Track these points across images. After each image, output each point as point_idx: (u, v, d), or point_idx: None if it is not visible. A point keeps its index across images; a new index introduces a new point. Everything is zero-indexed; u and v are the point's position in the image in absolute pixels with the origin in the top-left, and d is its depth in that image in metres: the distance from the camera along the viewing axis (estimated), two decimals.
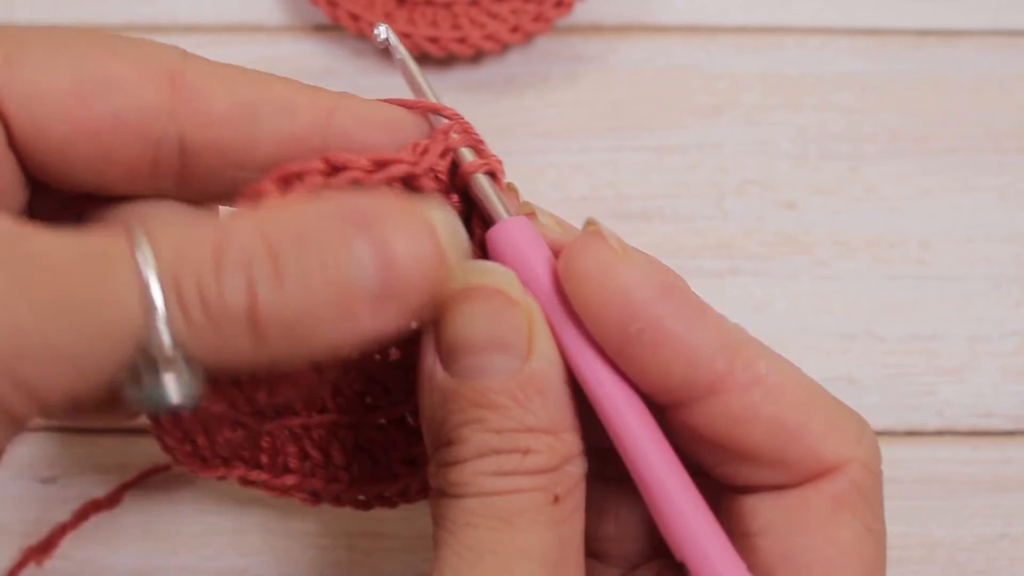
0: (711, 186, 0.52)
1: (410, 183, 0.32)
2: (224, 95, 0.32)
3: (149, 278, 0.26)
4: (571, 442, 0.30)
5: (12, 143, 0.31)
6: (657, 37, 0.56)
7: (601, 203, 0.52)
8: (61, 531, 0.45)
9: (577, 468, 0.30)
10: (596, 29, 0.56)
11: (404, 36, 0.52)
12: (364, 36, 0.53)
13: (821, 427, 0.30)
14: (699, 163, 0.53)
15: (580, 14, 0.55)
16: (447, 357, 0.30)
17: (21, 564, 0.44)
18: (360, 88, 0.54)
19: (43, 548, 0.45)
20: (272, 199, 0.30)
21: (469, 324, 0.30)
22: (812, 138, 0.53)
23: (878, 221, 0.52)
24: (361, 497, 0.37)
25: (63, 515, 0.45)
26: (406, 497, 0.37)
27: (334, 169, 0.31)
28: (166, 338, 0.26)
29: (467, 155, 0.34)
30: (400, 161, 0.32)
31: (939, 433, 0.48)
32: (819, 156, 0.53)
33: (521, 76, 0.55)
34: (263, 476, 0.37)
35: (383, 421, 0.36)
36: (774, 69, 0.55)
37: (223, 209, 0.35)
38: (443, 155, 0.33)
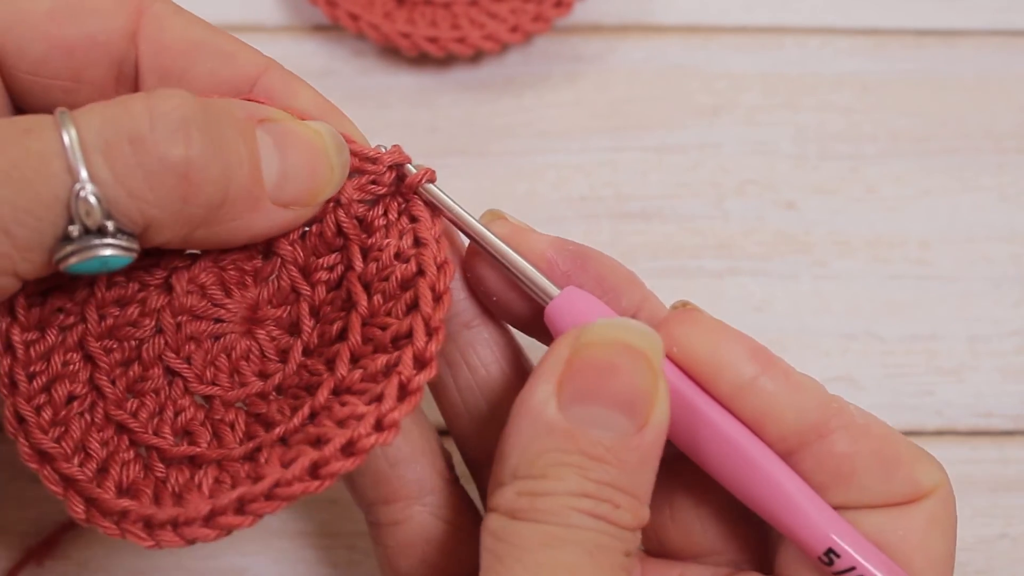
0: (711, 186, 0.52)
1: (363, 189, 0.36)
2: (178, 30, 0.35)
3: (71, 143, 0.29)
4: (647, 514, 0.32)
5: None
6: (657, 37, 0.56)
7: (601, 203, 0.52)
8: (61, 531, 0.45)
9: (639, 538, 0.32)
10: (596, 29, 0.56)
11: (404, 36, 0.52)
12: (364, 36, 0.53)
13: (911, 457, 0.34)
14: (699, 163, 0.53)
15: (580, 14, 0.55)
16: (570, 397, 0.31)
17: (21, 564, 0.44)
18: (360, 88, 0.54)
19: (43, 548, 0.45)
20: None
21: (608, 378, 0.31)
22: (812, 138, 0.53)
23: (878, 221, 0.52)
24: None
25: (63, 515, 0.45)
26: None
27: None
28: (93, 195, 0.29)
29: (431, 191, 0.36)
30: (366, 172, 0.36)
31: (939, 433, 0.48)
32: (819, 156, 0.53)
33: (521, 76, 0.55)
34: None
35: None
36: (774, 69, 0.55)
37: None
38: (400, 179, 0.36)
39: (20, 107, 0.35)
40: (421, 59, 0.54)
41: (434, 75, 0.54)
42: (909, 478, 0.34)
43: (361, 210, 0.35)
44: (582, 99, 0.54)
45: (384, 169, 0.35)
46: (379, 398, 0.32)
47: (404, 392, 0.32)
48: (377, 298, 0.34)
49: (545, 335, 0.35)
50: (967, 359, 0.49)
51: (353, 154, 0.35)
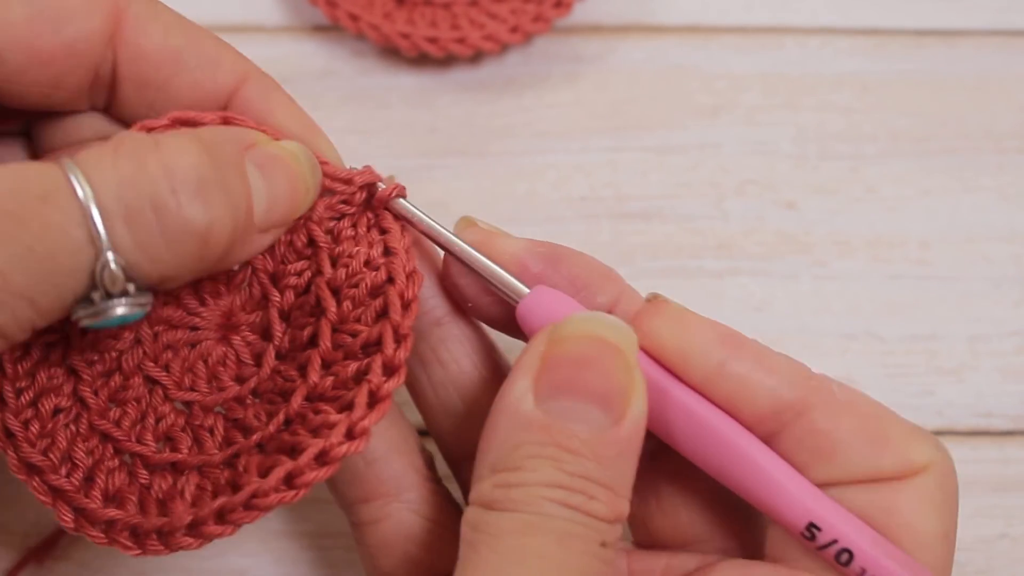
0: (711, 186, 0.52)
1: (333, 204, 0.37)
2: (157, 36, 0.35)
3: (93, 212, 0.29)
4: (625, 507, 0.32)
5: None
6: (657, 37, 0.56)
7: (601, 203, 0.52)
8: (61, 531, 0.45)
9: (619, 531, 0.32)
10: (595, 29, 0.56)
11: (403, 36, 0.52)
12: (363, 36, 0.53)
13: (902, 433, 0.34)
14: (699, 163, 0.53)
15: (579, 14, 0.55)
16: (546, 392, 0.31)
17: (21, 564, 0.44)
18: (360, 88, 0.54)
19: (43, 548, 0.45)
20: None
21: (581, 371, 0.31)
22: (812, 138, 0.53)
23: (878, 221, 0.52)
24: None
25: None
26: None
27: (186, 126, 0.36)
28: (115, 265, 0.29)
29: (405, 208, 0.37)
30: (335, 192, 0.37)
31: (939, 433, 0.48)
32: (819, 156, 0.53)
33: (520, 76, 0.55)
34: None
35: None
36: (774, 69, 0.55)
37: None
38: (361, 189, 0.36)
39: None
40: (421, 59, 0.54)
41: (434, 75, 0.54)
42: (899, 454, 0.33)
43: (331, 224, 0.36)
44: (582, 99, 0.54)
45: (355, 189, 0.36)
46: (350, 406, 0.33)
47: (374, 399, 0.33)
48: (347, 304, 0.35)
49: (522, 334, 0.36)
50: (967, 359, 0.49)
51: (326, 175, 0.36)
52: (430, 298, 0.37)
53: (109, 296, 0.30)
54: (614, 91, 0.54)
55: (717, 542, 0.37)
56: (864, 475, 0.33)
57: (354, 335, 0.34)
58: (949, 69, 0.55)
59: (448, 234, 0.36)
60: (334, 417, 0.33)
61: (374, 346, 0.34)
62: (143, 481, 0.35)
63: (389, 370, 0.33)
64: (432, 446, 0.40)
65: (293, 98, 0.38)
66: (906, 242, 0.51)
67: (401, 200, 0.36)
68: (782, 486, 0.33)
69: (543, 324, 0.33)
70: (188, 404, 0.36)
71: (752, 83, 0.55)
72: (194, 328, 0.37)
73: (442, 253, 0.37)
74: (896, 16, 0.56)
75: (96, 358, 0.36)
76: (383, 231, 0.36)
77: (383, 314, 0.34)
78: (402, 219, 0.36)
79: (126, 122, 0.37)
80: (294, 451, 0.33)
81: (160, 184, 0.30)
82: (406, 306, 0.34)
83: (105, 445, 0.36)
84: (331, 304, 0.35)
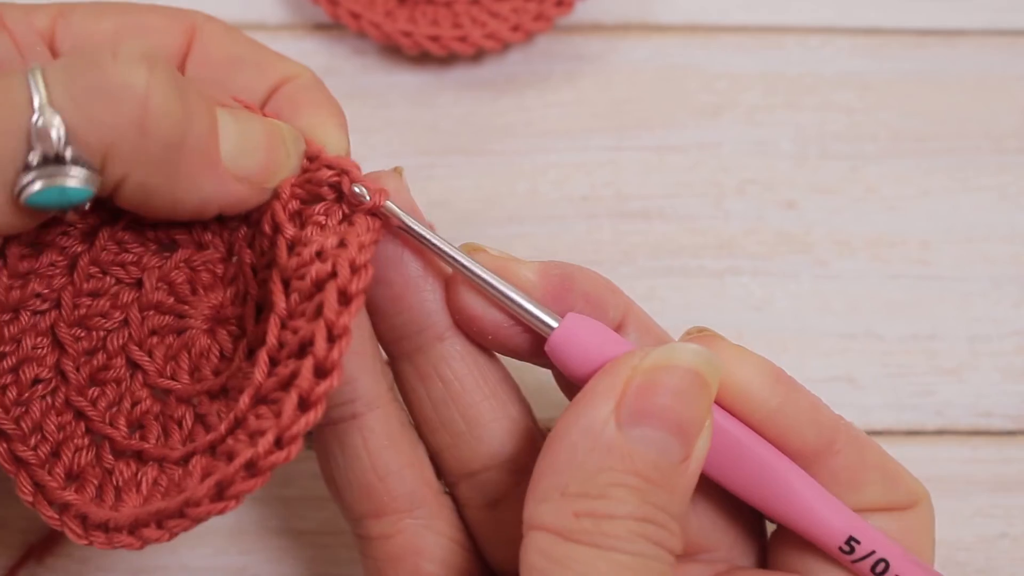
0: (711, 186, 0.52)
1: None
2: (224, 47, 0.37)
3: (33, 74, 0.30)
4: (684, 537, 0.32)
5: None
6: (657, 37, 0.56)
7: (601, 203, 0.52)
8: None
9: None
10: (596, 28, 0.56)
11: (405, 35, 0.52)
12: (365, 34, 0.53)
13: (902, 469, 0.36)
14: (699, 163, 0.53)
15: (581, 13, 0.55)
16: (629, 418, 0.31)
17: (22, 561, 0.44)
18: (361, 86, 0.54)
19: (44, 545, 0.45)
20: None
21: (671, 400, 0.31)
22: (812, 138, 0.53)
23: (878, 221, 0.52)
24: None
25: None
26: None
27: None
28: (52, 122, 0.30)
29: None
30: (323, 164, 0.35)
31: (939, 433, 0.48)
32: (819, 156, 0.53)
33: (522, 75, 0.55)
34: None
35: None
36: (774, 69, 0.55)
37: None
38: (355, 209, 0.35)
39: None
40: (422, 58, 0.54)
41: (435, 74, 0.54)
42: (906, 486, 0.36)
43: (299, 206, 0.35)
44: (583, 98, 0.54)
45: (319, 168, 0.35)
46: (279, 413, 0.31)
47: (305, 404, 0.31)
48: (294, 298, 0.33)
49: (543, 359, 0.35)
50: (967, 359, 0.49)
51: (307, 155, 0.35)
52: (433, 312, 0.36)
53: (46, 161, 0.30)
54: (615, 90, 0.54)
55: (723, 551, 0.37)
56: (884, 504, 0.35)
57: (296, 332, 0.32)
58: (950, 69, 0.55)
59: (463, 258, 0.34)
60: (264, 422, 0.31)
61: (310, 345, 0.32)
62: (107, 465, 0.35)
63: (322, 372, 0.31)
64: None
65: (332, 99, 0.39)
66: (906, 242, 0.51)
67: (412, 221, 0.34)
68: (821, 504, 0.34)
69: (580, 354, 0.33)
70: (166, 392, 0.36)
71: (753, 83, 0.55)
72: (182, 316, 0.36)
73: (448, 268, 0.36)
74: (897, 16, 0.56)
75: (83, 334, 0.36)
76: (350, 223, 0.34)
77: (320, 310, 0.32)
78: (402, 231, 0.35)
79: None
80: (231, 457, 0.32)
81: (104, 51, 0.30)
82: (345, 302, 0.32)
83: (78, 423, 0.35)
84: (280, 299, 0.33)
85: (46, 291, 0.35)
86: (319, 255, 0.33)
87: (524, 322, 0.35)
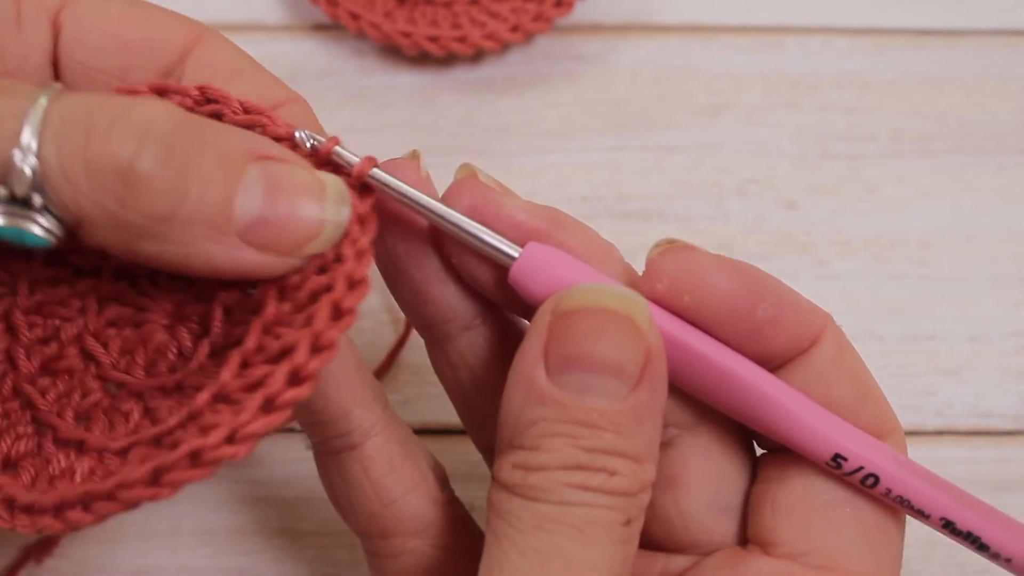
0: (711, 186, 0.52)
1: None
2: (226, 58, 0.36)
3: (29, 112, 0.29)
4: (650, 472, 0.31)
5: (55, 58, 0.35)
6: (657, 37, 0.56)
7: (601, 203, 0.52)
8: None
9: (646, 497, 0.32)
10: (596, 29, 0.56)
11: (404, 35, 0.52)
12: (364, 35, 0.53)
13: (877, 392, 0.35)
14: (699, 163, 0.53)
15: (580, 14, 0.55)
16: (557, 367, 0.30)
17: (20, 563, 0.44)
18: (360, 87, 0.54)
19: (42, 547, 0.45)
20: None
21: (592, 343, 0.30)
22: (812, 138, 0.53)
23: (878, 221, 0.52)
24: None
25: None
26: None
27: (206, 101, 0.34)
28: (28, 168, 0.28)
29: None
30: (273, 123, 0.34)
31: (939, 433, 0.48)
32: (819, 156, 0.53)
33: (521, 76, 0.55)
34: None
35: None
36: (774, 69, 0.55)
37: None
38: (313, 153, 0.34)
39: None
40: (422, 58, 0.54)
41: (435, 74, 0.54)
42: (877, 410, 0.36)
43: None
44: (582, 99, 0.54)
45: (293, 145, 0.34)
46: (239, 412, 0.30)
47: (269, 406, 0.30)
48: (286, 306, 0.32)
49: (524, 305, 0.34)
50: (967, 359, 0.49)
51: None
52: (458, 304, 0.35)
53: (13, 200, 0.29)
54: (615, 90, 0.54)
55: (712, 547, 0.37)
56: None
57: (278, 337, 0.32)
58: (950, 69, 0.55)
59: (425, 198, 0.33)
60: (220, 418, 0.30)
61: (291, 352, 0.31)
62: (46, 455, 0.34)
63: (295, 380, 0.30)
64: (448, 445, 0.40)
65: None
66: (906, 242, 0.51)
67: (375, 171, 0.33)
68: (806, 423, 0.33)
69: (540, 286, 0.32)
70: (119, 385, 0.35)
71: (753, 83, 0.55)
72: (141, 308, 0.35)
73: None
74: (897, 16, 0.56)
75: (39, 321, 0.35)
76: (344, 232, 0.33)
77: (310, 321, 0.31)
78: (375, 187, 0.34)
79: None
80: (175, 446, 0.31)
81: (104, 115, 0.29)
82: (337, 316, 0.31)
83: (24, 411, 0.34)
84: (271, 306, 0.32)
85: (3, 275, 0.35)
86: (321, 271, 0.32)
87: (487, 255, 0.33)
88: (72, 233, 0.30)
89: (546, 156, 0.53)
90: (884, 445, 0.34)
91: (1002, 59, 0.55)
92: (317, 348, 0.31)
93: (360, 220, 0.33)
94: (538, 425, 0.30)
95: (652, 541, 0.37)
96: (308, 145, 0.34)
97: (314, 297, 0.32)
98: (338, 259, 0.32)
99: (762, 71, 0.55)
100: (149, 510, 0.46)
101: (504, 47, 0.53)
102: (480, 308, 0.36)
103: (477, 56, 0.54)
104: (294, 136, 0.34)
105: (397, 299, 0.36)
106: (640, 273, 0.35)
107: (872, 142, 0.53)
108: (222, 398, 0.32)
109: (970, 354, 0.49)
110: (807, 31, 0.56)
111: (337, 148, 0.33)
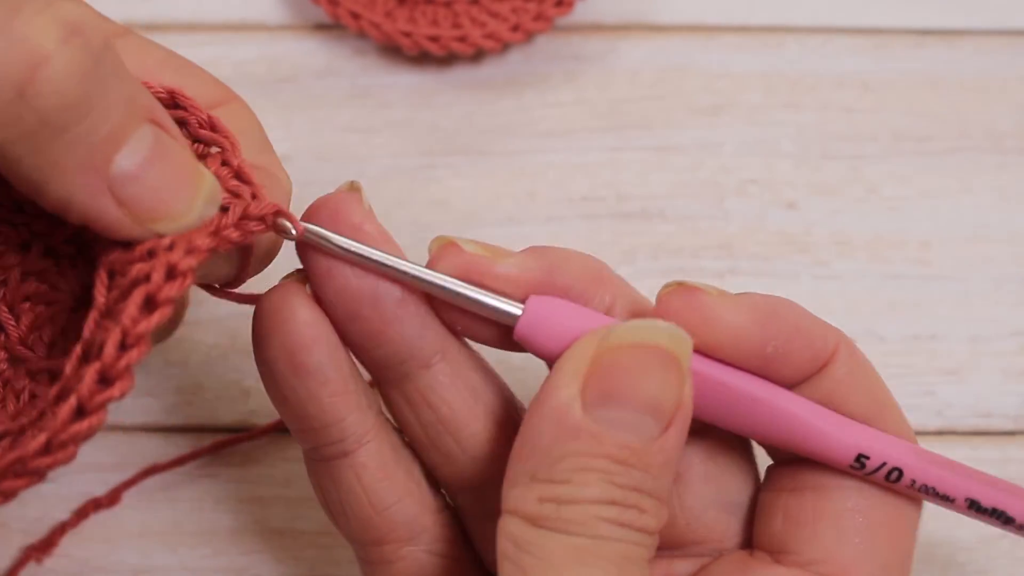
0: (711, 186, 0.52)
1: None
2: (238, 126, 0.34)
3: None
4: (667, 512, 0.32)
5: None
6: (657, 37, 0.56)
7: (601, 203, 0.52)
8: (61, 530, 0.45)
9: (658, 539, 0.32)
10: (596, 28, 0.56)
11: (405, 35, 0.52)
12: (365, 35, 0.53)
13: (892, 405, 0.36)
14: (699, 163, 0.53)
15: (580, 13, 0.55)
16: (595, 400, 0.31)
17: (21, 563, 0.44)
18: (361, 87, 0.54)
19: (43, 547, 0.45)
20: None
21: (638, 380, 0.31)
22: (812, 138, 0.53)
23: (878, 221, 0.52)
24: None
25: (63, 513, 0.45)
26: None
27: (174, 105, 0.33)
28: None
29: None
30: (232, 151, 0.33)
31: (939, 433, 0.48)
32: (819, 156, 0.53)
33: (521, 75, 0.55)
34: None
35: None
36: (774, 69, 0.55)
37: None
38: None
39: None
40: (422, 58, 0.54)
41: (435, 74, 0.54)
42: (894, 428, 0.36)
43: None
44: (583, 99, 0.54)
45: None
46: (46, 418, 0.29)
47: (82, 412, 0.28)
48: (114, 294, 0.30)
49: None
50: (968, 359, 0.49)
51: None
52: (415, 341, 0.34)
53: None
54: (615, 90, 0.54)
55: (712, 544, 0.37)
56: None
57: (106, 331, 0.29)
58: (950, 69, 0.55)
59: (411, 267, 0.33)
60: (48, 423, 0.29)
61: (100, 349, 0.29)
62: None
63: (106, 380, 0.29)
64: None
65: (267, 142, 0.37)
66: (906, 242, 0.51)
67: (318, 230, 0.32)
68: (824, 431, 0.34)
69: (551, 337, 0.32)
70: (20, 361, 0.34)
71: (753, 83, 0.55)
72: (55, 287, 0.35)
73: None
74: (897, 16, 0.56)
75: None
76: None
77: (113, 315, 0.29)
78: (326, 252, 0.32)
79: None
80: (12, 449, 0.29)
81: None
82: (150, 309, 0.29)
83: None
84: (100, 291, 0.30)
85: None
86: (150, 254, 0.30)
87: (491, 318, 0.33)
88: None
89: (546, 156, 0.53)
90: (901, 440, 0.35)
91: (1002, 59, 0.55)
92: (125, 344, 0.29)
93: (219, 230, 0.31)
94: (569, 459, 0.30)
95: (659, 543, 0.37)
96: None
97: (135, 284, 0.30)
98: (170, 247, 0.30)
99: (762, 71, 0.55)
100: (149, 510, 0.46)
101: (504, 47, 0.53)
102: (439, 343, 0.35)
103: (477, 56, 0.54)
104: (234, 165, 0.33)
105: (349, 344, 0.34)
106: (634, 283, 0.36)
107: (872, 142, 0.53)
108: (63, 394, 0.30)
109: (970, 354, 0.49)
110: (807, 31, 0.56)
111: (314, 228, 0.32)
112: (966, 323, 0.50)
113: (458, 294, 0.33)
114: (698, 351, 0.33)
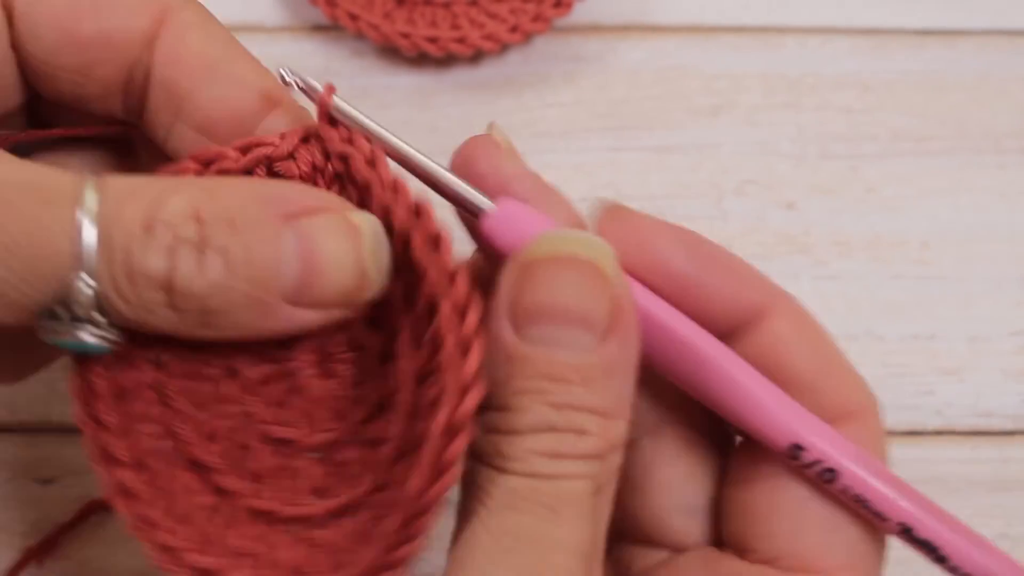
0: (711, 186, 0.52)
1: (272, 168, 0.33)
2: (197, 45, 0.34)
3: (84, 226, 0.28)
4: (621, 430, 0.30)
5: (14, 44, 0.33)
6: (656, 37, 0.56)
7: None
8: (61, 531, 0.45)
9: (618, 458, 0.30)
10: (595, 29, 0.56)
11: (403, 36, 0.52)
12: (363, 36, 0.53)
13: (846, 368, 0.34)
14: (699, 163, 0.53)
15: (579, 14, 0.55)
16: (522, 320, 0.29)
17: (21, 564, 0.44)
18: (359, 88, 0.54)
19: (43, 548, 0.45)
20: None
21: (555, 293, 0.29)
22: (812, 138, 0.53)
23: (878, 221, 0.52)
24: None
25: (63, 515, 0.45)
26: None
27: (205, 165, 0.32)
28: (87, 287, 0.28)
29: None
30: (263, 143, 0.33)
31: (939, 433, 0.48)
32: (819, 156, 0.53)
33: (520, 76, 0.55)
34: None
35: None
36: (774, 69, 0.55)
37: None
38: (306, 139, 0.33)
39: (32, 88, 0.35)
40: (421, 59, 0.54)
41: (434, 75, 0.54)
42: (842, 387, 0.34)
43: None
44: (582, 99, 0.54)
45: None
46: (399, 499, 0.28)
47: (441, 467, 0.28)
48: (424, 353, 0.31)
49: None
50: (967, 359, 0.49)
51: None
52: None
53: (76, 319, 0.29)
54: (614, 91, 0.54)
55: (683, 541, 0.36)
56: (809, 406, 0.33)
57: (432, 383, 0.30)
58: (949, 69, 0.55)
59: (400, 143, 0.33)
60: (391, 520, 0.28)
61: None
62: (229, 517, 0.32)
63: (451, 431, 0.28)
64: None
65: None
66: (906, 242, 0.51)
67: (338, 101, 0.33)
68: (767, 408, 0.32)
69: (511, 241, 0.31)
70: (285, 442, 0.33)
71: (752, 83, 0.55)
72: (287, 360, 0.33)
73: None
74: (897, 16, 0.56)
75: (193, 388, 0.33)
76: (395, 188, 0.31)
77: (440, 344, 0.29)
78: (343, 123, 0.33)
79: (157, 133, 0.35)
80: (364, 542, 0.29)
81: (134, 226, 0.29)
82: (466, 348, 0.29)
83: (203, 475, 0.32)
84: (407, 340, 0.30)
85: (144, 350, 0.32)
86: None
87: (462, 208, 0.32)
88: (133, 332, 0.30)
89: (545, 156, 0.53)
90: (850, 443, 0.32)
91: (1002, 59, 0.55)
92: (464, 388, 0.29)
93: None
94: (508, 383, 0.29)
95: (627, 534, 0.37)
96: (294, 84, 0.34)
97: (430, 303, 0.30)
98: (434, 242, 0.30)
99: (761, 71, 0.55)
100: None
101: (503, 48, 0.53)
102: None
103: (476, 57, 0.54)
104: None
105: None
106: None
107: (872, 142, 0.53)
108: (408, 449, 0.30)
109: (970, 354, 0.49)
110: (807, 31, 0.56)
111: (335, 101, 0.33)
112: (965, 323, 0.50)
113: (439, 178, 0.32)
114: (634, 276, 0.32)
